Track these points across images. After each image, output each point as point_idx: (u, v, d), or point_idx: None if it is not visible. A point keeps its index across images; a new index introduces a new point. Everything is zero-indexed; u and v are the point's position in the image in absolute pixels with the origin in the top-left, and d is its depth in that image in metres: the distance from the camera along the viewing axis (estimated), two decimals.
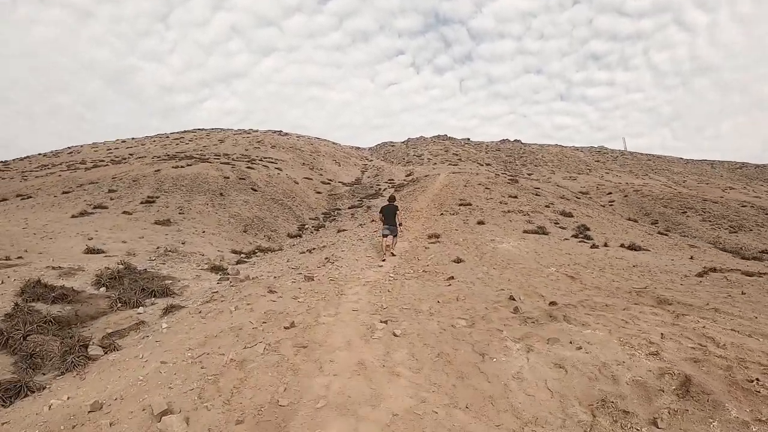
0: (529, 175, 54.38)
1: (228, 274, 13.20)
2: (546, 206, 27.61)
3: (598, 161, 70.52)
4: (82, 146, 75.76)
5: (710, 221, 36.24)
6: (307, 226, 28.57)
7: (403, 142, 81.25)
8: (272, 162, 47.88)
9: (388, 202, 16.00)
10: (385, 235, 15.10)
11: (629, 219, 31.37)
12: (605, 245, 18.34)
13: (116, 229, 20.02)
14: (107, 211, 24.44)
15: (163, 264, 14.57)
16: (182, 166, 37.74)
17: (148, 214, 24.08)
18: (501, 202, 27.08)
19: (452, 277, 10.93)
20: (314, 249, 17.21)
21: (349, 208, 32.18)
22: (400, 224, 15.73)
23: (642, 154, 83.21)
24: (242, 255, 19.28)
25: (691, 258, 17.41)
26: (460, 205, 25.62)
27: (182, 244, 19.05)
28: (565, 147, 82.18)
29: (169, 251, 16.73)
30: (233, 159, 46.29)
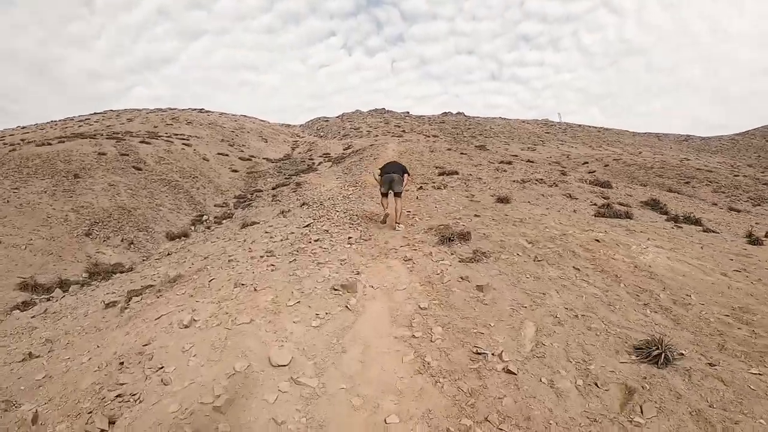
0: (481, 146, 44.74)
1: None
2: (562, 173, 17.66)
3: (548, 133, 61.78)
4: None
5: (723, 192, 27.72)
6: (205, 218, 17.38)
7: (337, 117, 68.71)
8: (182, 138, 35.80)
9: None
10: (384, 193, 8.78)
11: (669, 190, 21.95)
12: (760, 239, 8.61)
13: None
14: None
15: None
16: (50, 144, 25.60)
17: None
18: (498, 170, 16.82)
19: None
20: (146, 290, 6.20)
21: (272, 188, 21.07)
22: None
23: (591, 126, 75.32)
24: (30, 296, 8.63)
25: None
26: (442, 174, 15.20)
27: None
28: (511, 119, 73.07)
29: None
30: (132, 135, 34.08)
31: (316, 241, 7.16)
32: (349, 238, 7.30)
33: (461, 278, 5.23)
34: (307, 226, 8.75)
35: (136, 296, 5.96)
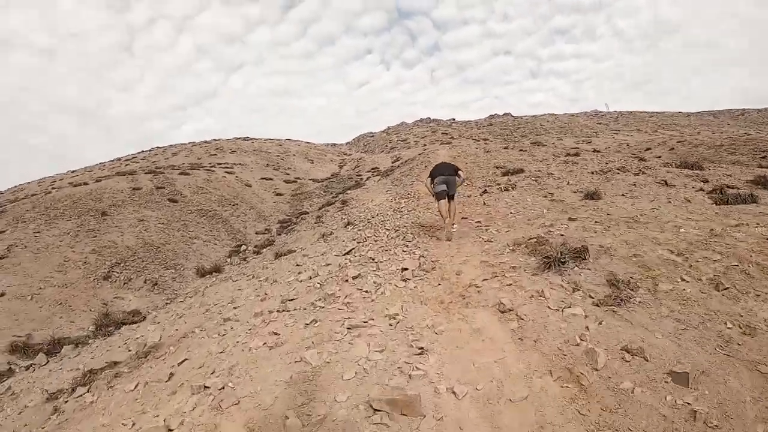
0: (536, 143, 41.65)
1: None
2: (640, 160, 14.75)
3: (599, 124, 57.85)
4: (29, 183, 62.24)
5: None
6: (244, 247, 15.43)
7: (383, 131, 66.78)
8: (225, 167, 34.59)
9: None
10: (438, 194, 7.34)
11: (758, 166, 18.59)
12: None
13: None
14: None
15: None
16: (86, 183, 24.69)
17: None
18: (567, 162, 14.12)
19: None
20: (104, 371, 4.01)
21: (318, 208, 19.05)
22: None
23: (642, 112, 70.47)
24: (14, 362, 7.15)
25: None
26: (506, 173, 12.72)
27: None
28: (560, 115, 69.17)
29: None
30: (173, 168, 33.08)
31: (354, 278, 4.85)
32: (404, 269, 4.94)
33: (627, 352, 2.69)
34: (347, 253, 6.48)
35: (83, 386, 3.88)
